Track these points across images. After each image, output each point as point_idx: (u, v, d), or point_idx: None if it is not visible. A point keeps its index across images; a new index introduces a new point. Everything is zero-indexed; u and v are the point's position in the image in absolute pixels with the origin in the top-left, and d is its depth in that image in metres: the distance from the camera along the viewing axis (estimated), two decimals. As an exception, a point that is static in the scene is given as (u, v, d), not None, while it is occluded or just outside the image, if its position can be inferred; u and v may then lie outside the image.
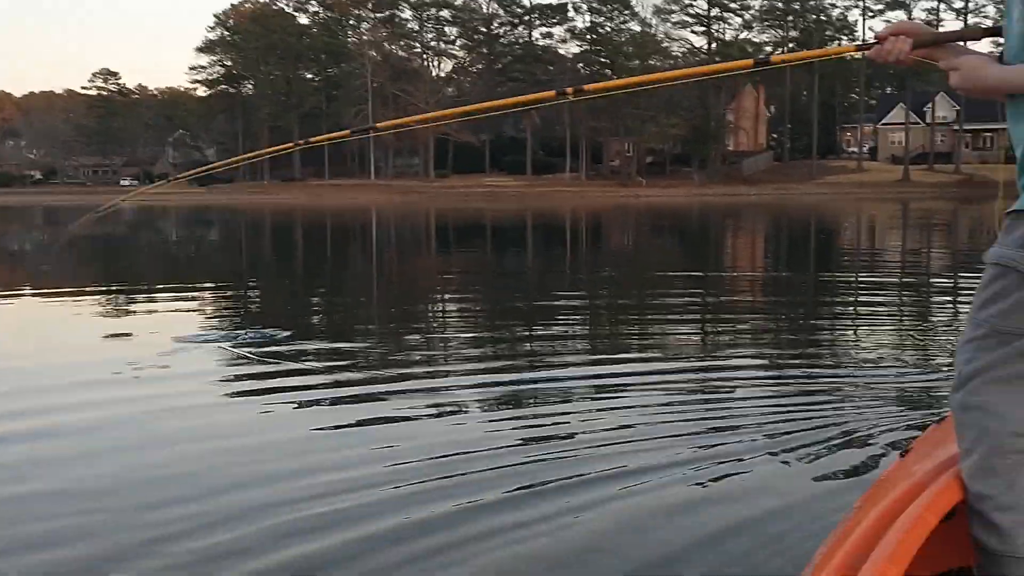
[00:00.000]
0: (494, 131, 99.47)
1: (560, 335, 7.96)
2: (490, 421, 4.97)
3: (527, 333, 8.28)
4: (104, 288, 12.67)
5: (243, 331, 7.96)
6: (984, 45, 3.07)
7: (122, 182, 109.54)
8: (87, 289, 12.39)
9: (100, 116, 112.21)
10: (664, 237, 26.49)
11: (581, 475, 3.93)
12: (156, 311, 10.05)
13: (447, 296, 11.81)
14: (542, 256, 19.49)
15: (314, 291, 12.51)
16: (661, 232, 28.87)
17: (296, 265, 17.71)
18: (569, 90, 2.48)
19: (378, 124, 2.85)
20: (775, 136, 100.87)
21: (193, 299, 11.10)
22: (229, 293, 12.09)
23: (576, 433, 4.64)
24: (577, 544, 3.24)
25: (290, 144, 3.06)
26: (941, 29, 2.27)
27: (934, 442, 2.37)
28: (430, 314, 10.14)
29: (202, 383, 5.94)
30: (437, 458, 4.19)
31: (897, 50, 2.13)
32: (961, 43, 2.22)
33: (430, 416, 5.06)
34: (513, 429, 4.74)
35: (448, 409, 5.23)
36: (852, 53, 2.34)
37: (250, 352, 6.97)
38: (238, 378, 6.15)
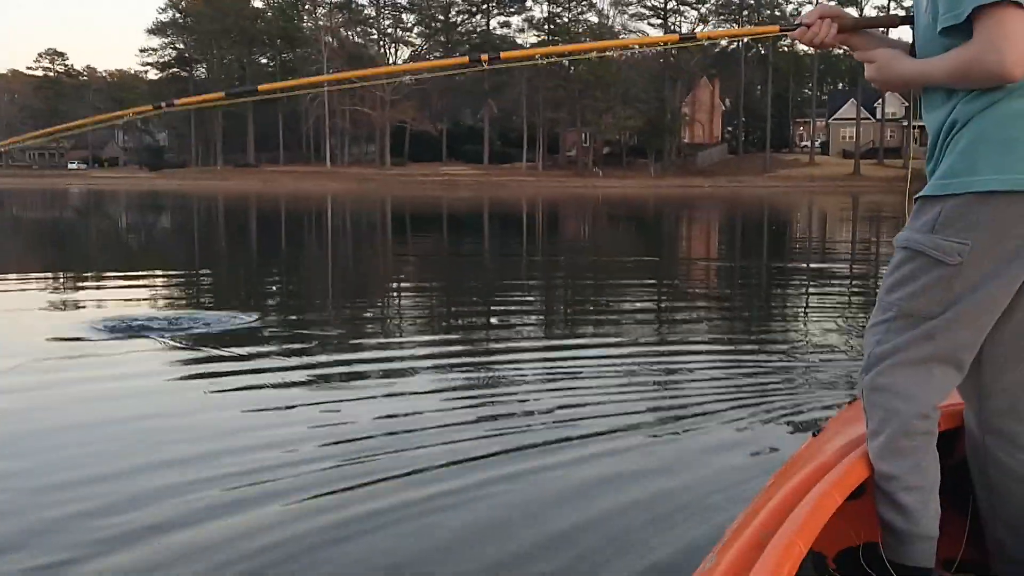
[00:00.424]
0: (451, 120, 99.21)
1: (515, 317, 7.97)
2: (433, 400, 4.91)
3: (483, 317, 8.27)
4: (43, 273, 12.40)
5: (188, 316, 7.79)
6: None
7: (70, 165, 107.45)
8: (28, 274, 12.12)
9: (47, 97, 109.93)
10: (620, 227, 26.60)
11: (517, 447, 4.00)
12: (100, 296, 9.86)
13: (403, 282, 11.75)
14: (500, 243, 19.48)
15: (265, 277, 12.38)
16: (617, 222, 28.99)
17: (248, 252, 17.51)
18: (484, 57, 2.37)
19: (261, 87, 2.54)
20: (730, 129, 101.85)
21: (139, 285, 10.92)
22: (178, 279, 11.91)
23: (524, 412, 4.65)
24: (495, 516, 3.26)
25: (148, 107, 2.64)
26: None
27: (845, 421, 2.41)
28: (385, 300, 10.08)
29: (130, 368, 5.76)
30: (371, 435, 4.19)
31: (824, 33, 2.16)
32: (881, 30, 2.25)
33: (379, 395, 5.03)
34: (456, 407, 4.74)
35: (393, 386, 5.20)
36: (777, 33, 2.35)
37: (188, 337, 6.84)
38: (178, 363, 5.96)
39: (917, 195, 1.97)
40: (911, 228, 1.97)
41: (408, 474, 3.66)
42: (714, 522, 3.09)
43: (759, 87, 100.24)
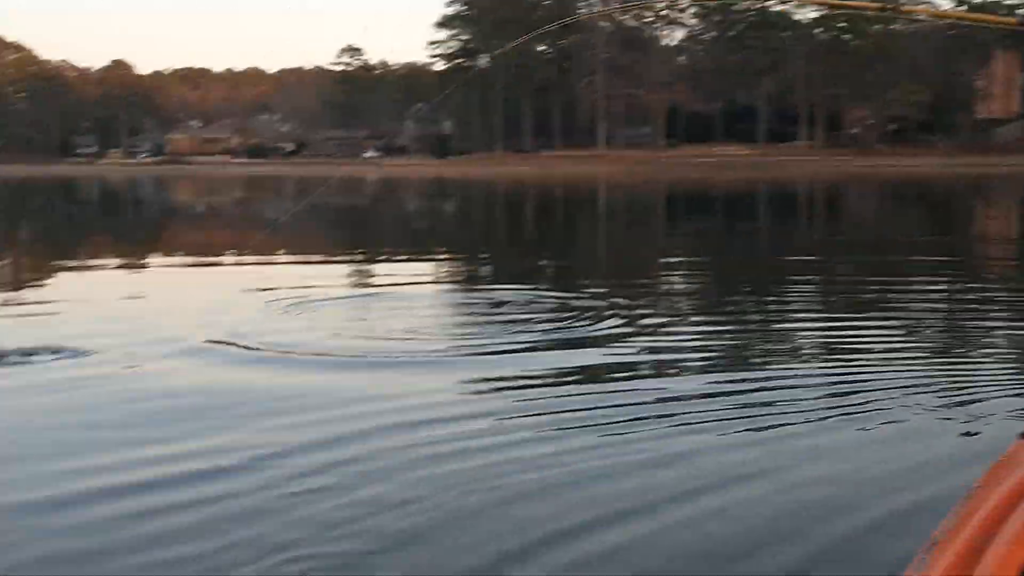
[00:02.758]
0: (726, 99, 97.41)
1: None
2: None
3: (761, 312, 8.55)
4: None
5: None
6: None
7: (364, 155, 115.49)
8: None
9: (345, 91, 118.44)
10: (913, 215, 24.92)
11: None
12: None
13: (677, 272, 11.97)
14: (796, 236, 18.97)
15: (538, 259, 13.04)
16: (906, 206, 27.33)
17: (526, 236, 18.23)
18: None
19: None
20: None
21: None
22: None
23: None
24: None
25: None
26: None
27: None
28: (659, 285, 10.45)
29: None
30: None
31: None
32: None
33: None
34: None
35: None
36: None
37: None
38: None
39: None
40: None
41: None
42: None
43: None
